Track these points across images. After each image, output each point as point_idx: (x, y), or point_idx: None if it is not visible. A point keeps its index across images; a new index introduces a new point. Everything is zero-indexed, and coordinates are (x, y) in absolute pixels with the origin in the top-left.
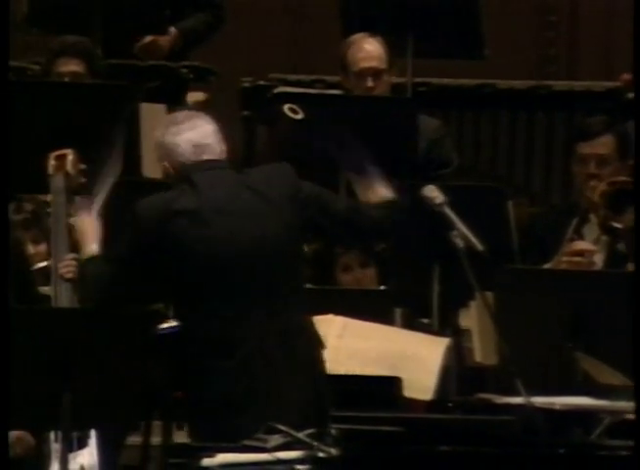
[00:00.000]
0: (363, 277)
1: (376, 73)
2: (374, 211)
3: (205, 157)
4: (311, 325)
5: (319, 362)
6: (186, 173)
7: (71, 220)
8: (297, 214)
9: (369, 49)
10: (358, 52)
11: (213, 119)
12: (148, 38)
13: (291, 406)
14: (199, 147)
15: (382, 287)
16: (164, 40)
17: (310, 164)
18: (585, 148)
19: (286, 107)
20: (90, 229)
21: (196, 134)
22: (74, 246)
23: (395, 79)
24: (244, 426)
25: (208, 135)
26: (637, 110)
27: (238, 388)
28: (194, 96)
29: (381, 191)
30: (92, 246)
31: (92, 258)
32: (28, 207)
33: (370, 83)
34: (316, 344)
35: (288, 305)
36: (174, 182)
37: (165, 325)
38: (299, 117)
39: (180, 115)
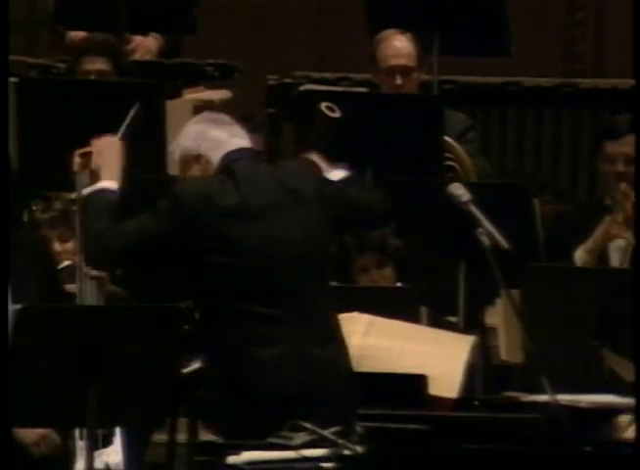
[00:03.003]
0: (380, 278)
1: (405, 71)
2: (376, 193)
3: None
4: (337, 324)
5: (347, 360)
6: (224, 163)
7: (93, 143)
8: (326, 211)
9: (399, 46)
10: (388, 49)
11: None
12: (136, 40)
13: (320, 404)
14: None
15: (398, 284)
16: (150, 41)
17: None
18: (613, 147)
19: (323, 105)
20: (114, 154)
21: (244, 144)
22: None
23: (422, 77)
24: (272, 424)
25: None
26: (637, 109)
27: (267, 385)
28: (196, 94)
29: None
30: (113, 173)
31: (110, 194)
32: (57, 205)
33: (399, 81)
34: (343, 342)
35: (317, 303)
36: (201, 172)
37: (190, 368)
38: (337, 115)
39: (226, 117)
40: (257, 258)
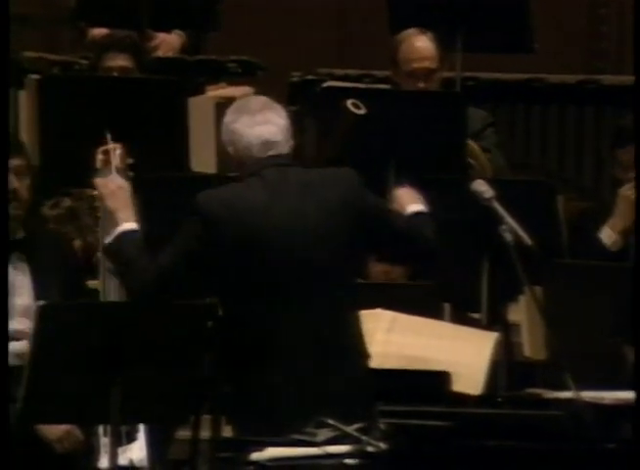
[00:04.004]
0: (393, 269)
1: (427, 74)
2: (427, 230)
3: (272, 153)
4: (358, 326)
5: (364, 360)
6: (253, 169)
7: (97, 183)
8: (355, 221)
9: (421, 49)
10: (410, 52)
11: (285, 113)
12: (159, 37)
13: (335, 403)
14: (267, 144)
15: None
16: (173, 38)
17: (363, 162)
18: (623, 155)
19: (349, 102)
20: (129, 201)
21: (267, 130)
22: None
23: (445, 74)
24: (287, 422)
25: (279, 132)
26: (637, 107)
27: (283, 384)
28: (219, 90)
29: (413, 205)
30: (129, 222)
31: (133, 235)
32: (66, 202)
33: (422, 85)
34: (361, 344)
35: (337, 307)
36: (234, 169)
37: None
38: (362, 112)
39: (255, 103)
40: (278, 261)
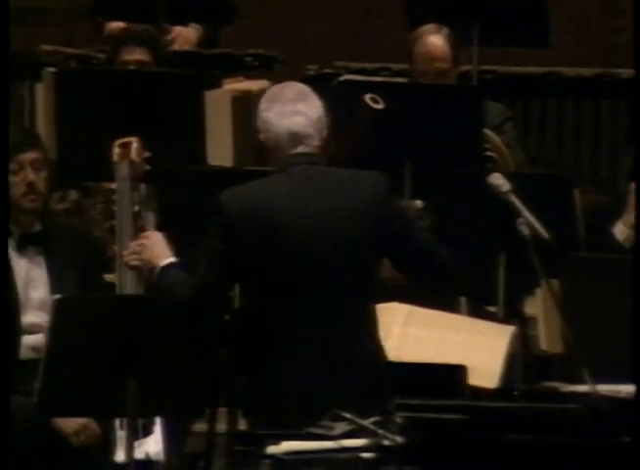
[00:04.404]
0: None
1: (440, 73)
2: (446, 256)
3: (301, 149)
4: (375, 323)
5: (380, 357)
6: (281, 165)
7: (139, 243)
8: (378, 224)
9: (433, 50)
10: (423, 52)
11: (320, 103)
12: (175, 30)
13: (350, 399)
14: (296, 137)
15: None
16: (190, 32)
17: (380, 157)
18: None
19: (367, 96)
20: (162, 243)
21: (298, 122)
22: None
23: (461, 67)
24: (301, 418)
25: (309, 124)
26: (637, 106)
27: (297, 379)
28: (235, 84)
29: None
30: (166, 259)
31: (170, 265)
32: (73, 195)
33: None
34: (377, 341)
35: (355, 305)
36: (259, 157)
37: None
38: (380, 106)
39: (290, 92)
40: (297, 259)
